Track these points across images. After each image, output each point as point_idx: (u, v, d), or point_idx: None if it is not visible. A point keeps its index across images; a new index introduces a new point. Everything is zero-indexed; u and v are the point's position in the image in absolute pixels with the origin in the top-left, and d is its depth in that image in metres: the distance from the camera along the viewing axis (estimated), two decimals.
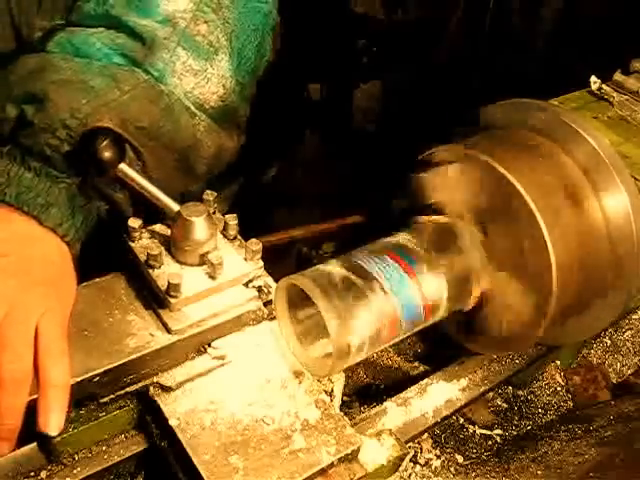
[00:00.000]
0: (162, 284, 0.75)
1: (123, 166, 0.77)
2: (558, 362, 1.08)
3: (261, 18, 0.92)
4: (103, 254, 0.82)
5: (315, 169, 2.04)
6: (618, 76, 1.28)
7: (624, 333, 1.16)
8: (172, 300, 0.75)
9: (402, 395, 0.87)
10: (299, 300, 0.77)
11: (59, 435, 0.69)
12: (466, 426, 0.98)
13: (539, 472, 0.85)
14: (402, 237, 0.82)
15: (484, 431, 0.97)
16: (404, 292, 0.77)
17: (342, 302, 0.72)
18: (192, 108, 0.85)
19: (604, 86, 1.25)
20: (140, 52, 0.82)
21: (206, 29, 0.85)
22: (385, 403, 0.86)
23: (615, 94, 1.24)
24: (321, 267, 0.76)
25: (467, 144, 0.87)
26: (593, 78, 1.26)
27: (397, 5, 2.02)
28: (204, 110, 0.86)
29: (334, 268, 0.75)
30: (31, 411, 0.66)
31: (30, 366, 0.66)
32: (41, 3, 0.87)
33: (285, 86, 1.66)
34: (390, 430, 0.77)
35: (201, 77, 0.85)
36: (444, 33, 2.03)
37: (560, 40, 1.93)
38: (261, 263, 0.81)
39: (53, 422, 0.65)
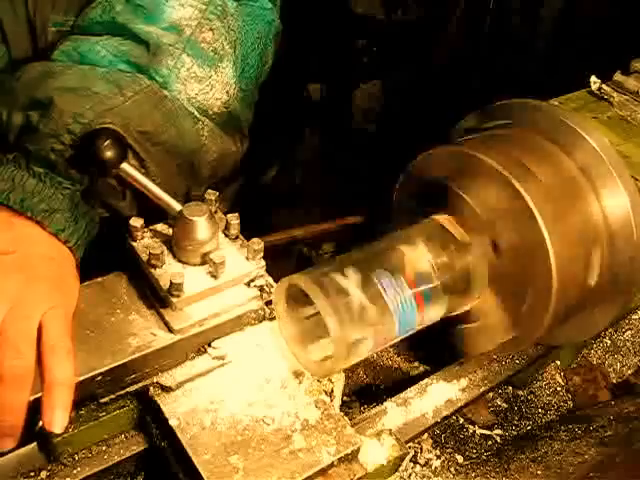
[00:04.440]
0: (164, 283, 0.75)
1: (125, 166, 0.77)
2: (558, 362, 1.08)
3: (264, 26, 0.93)
4: (104, 253, 0.82)
5: (315, 169, 2.04)
6: (618, 76, 1.27)
7: (624, 333, 1.16)
8: (174, 299, 0.75)
9: (402, 395, 0.87)
10: (299, 300, 0.77)
11: (60, 434, 0.69)
12: (466, 426, 0.98)
13: (539, 472, 0.86)
14: (416, 245, 0.81)
15: (484, 431, 0.97)
16: (408, 319, 0.77)
17: (342, 302, 0.72)
18: (196, 114, 0.86)
19: (604, 86, 1.25)
20: (145, 58, 0.83)
21: (211, 37, 0.86)
22: (385, 403, 0.86)
23: (615, 94, 1.24)
24: (322, 267, 0.76)
25: (467, 144, 0.87)
26: (593, 78, 1.26)
27: (397, 5, 2.02)
28: (208, 116, 0.87)
29: (337, 271, 0.75)
30: (31, 410, 0.66)
31: (32, 363, 0.66)
32: None
33: (285, 86, 1.66)
34: (390, 430, 0.77)
35: (205, 84, 0.86)
36: (444, 33, 2.03)
37: (560, 40, 1.93)
38: (263, 262, 0.81)
39: (57, 420, 0.65)
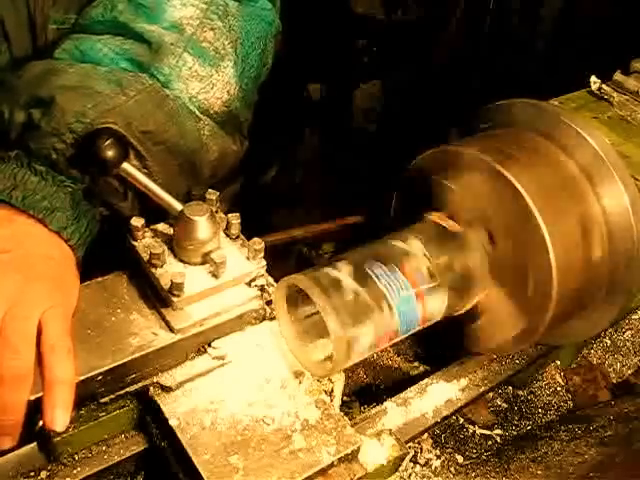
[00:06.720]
0: (165, 283, 0.75)
1: (126, 165, 0.77)
2: (558, 362, 1.08)
3: (265, 26, 0.93)
4: (105, 252, 0.82)
5: (315, 169, 2.05)
6: (618, 76, 1.27)
7: (624, 333, 1.16)
8: (175, 299, 0.75)
9: (402, 395, 0.87)
10: (299, 300, 0.77)
11: (60, 434, 0.69)
12: (466, 426, 0.98)
13: (539, 472, 0.86)
14: (413, 243, 0.81)
15: (484, 431, 0.97)
16: (408, 311, 0.77)
17: (342, 302, 0.72)
18: (197, 113, 0.86)
19: (604, 86, 1.25)
20: (147, 57, 0.83)
21: (212, 36, 0.86)
22: (385, 403, 0.86)
23: (615, 94, 1.24)
24: (322, 267, 0.76)
25: (467, 144, 0.87)
26: (593, 78, 1.26)
27: (397, 5, 2.02)
28: (209, 115, 0.87)
29: (337, 271, 0.75)
30: (31, 410, 0.66)
31: (30, 363, 0.66)
32: None
33: (285, 86, 1.66)
34: (390, 430, 0.77)
35: (206, 83, 0.86)
36: (444, 33, 2.03)
37: (560, 40, 1.93)
38: (263, 262, 0.81)
39: (59, 418, 0.65)
